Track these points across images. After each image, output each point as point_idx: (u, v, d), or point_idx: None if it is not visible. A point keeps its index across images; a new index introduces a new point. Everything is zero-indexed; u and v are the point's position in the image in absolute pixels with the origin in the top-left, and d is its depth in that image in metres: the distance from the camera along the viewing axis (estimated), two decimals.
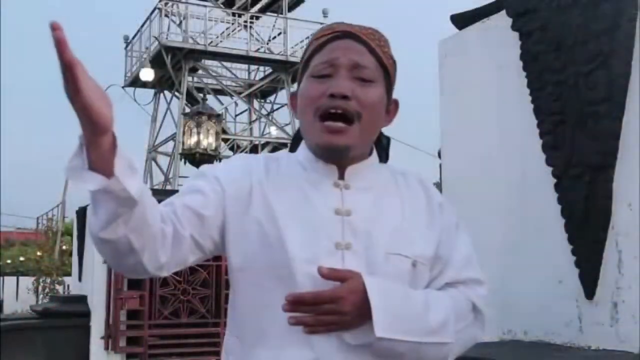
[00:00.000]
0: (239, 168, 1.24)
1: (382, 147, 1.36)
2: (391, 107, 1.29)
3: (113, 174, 0.99)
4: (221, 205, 1.18)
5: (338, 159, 1.22)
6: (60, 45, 0.89)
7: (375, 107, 1.21)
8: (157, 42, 16.64)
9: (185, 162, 10.65)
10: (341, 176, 1.24)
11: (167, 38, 16.73)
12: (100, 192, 1.00)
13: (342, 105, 1.17)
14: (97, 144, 0.98)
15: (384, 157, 1.36)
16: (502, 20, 2.23)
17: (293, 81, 16.05)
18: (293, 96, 1.30)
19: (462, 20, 2.48)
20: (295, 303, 1.06)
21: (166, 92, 18.69)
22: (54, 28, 0.89)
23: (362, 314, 1.08)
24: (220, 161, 16.72)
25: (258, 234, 1.17)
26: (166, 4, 16.62)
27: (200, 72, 18.46)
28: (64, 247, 15.78)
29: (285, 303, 1.06)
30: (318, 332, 1.09)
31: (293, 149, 1.35)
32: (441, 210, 1.27)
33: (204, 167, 1.26)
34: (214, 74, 18.46)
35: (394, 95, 1.30)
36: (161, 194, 7.92)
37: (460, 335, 1.18)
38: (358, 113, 1.18)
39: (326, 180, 1.23)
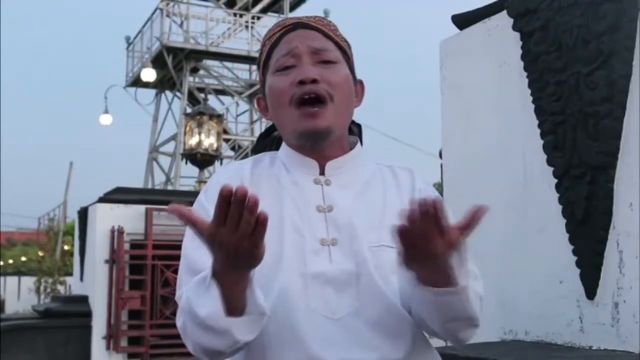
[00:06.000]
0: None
1: (354, 134, 1.36)
2: (358, 88, 1.31)
3: (245, 311, 1.05)
4: None
5: (319, 144, 1.22)
6: (255, 208, 0.93)
7: (344, 85, 1.23)
8: (158, 43, 16.66)
9: (186, 163, 10.66)
10: (322, 172, 1.24)
11: (168, 38, 16.76)
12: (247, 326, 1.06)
13: (313, 90, 1.19)
14: (246, 277, 1.04)
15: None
16: (503, 21, 2.23)
17: None
18: (260, 99, 1.31)
19: (463, 21, 2.48)
20: (424, 211, 0.96)
21: (167, 92, 18.73)
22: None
23: (430, 265, 1.04)
24: (221, 162, 16.69)
25: None
26: (167, 4, 16.63)
27: (201, 72, 18.49)
28: (65, 247, 15.79)
29: (417, 208, 0.96)
30: (407, 242, 1.00)
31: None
32: (421, 196, 1.26)
33: (200, 205, 1.23)
34: (215, 74, 18.48)
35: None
36: (162, 194, 7.90)
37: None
38: (329, 94, 1.20)
39: (307, 177, 1.24)
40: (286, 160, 1.27)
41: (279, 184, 1.24)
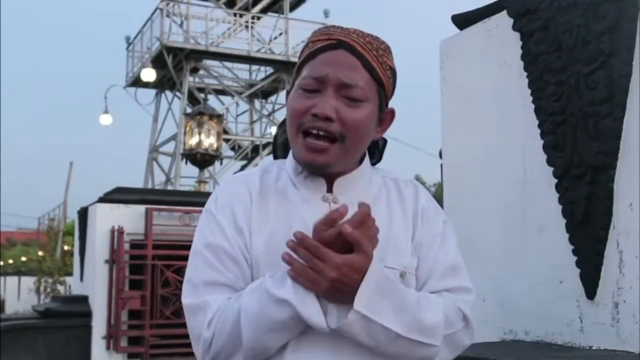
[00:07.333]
0: (239, 198, 1.24)
1: (378, 148, 1.36)
2: (386, 117, 1.28)
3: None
4: (243, 243, 1.21)
5: (318, 174, 1.23)
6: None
7: (361, 128, 1.20)
8: (158, 43, 16.65)
9: (186, 163, 10.67)
10: (330, 189, 1.24)
11: (168, 38, 16.75)
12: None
13: (323, 127, 1.17)
14: None
15: (377, 156, 1.36)
16: (503, 21, 2.24)
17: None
18: (288, 94, 1.30)
19: (463, 21, 2.48)
20: (299, 243, 1.07)
21: (167, 92, 18.72)
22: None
23: (346, 294, 1.07)
24: (221, 162, 16.55)
25: (255, 260, 1.19)
26: (167, 4, 16.63)
27: (201, 72, 18.48)
28: (65, 247, 15.77)
29: (291, 240, 1.08)
30: (298, 279, 1.08)
31: (275, 155, 1.38)
32: (424, 216, 1.27)
33: (211, 216, 1.23)
34: (215, 74, 18.48)
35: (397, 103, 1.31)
36: (162, 194, 7.86)
37: (448, 341, 1.17)
38: (341, 134, 1.18)
39: (315, 195, 1.23)
40: (293, 175, 1.26)
41: (286, 200, 1.23)
